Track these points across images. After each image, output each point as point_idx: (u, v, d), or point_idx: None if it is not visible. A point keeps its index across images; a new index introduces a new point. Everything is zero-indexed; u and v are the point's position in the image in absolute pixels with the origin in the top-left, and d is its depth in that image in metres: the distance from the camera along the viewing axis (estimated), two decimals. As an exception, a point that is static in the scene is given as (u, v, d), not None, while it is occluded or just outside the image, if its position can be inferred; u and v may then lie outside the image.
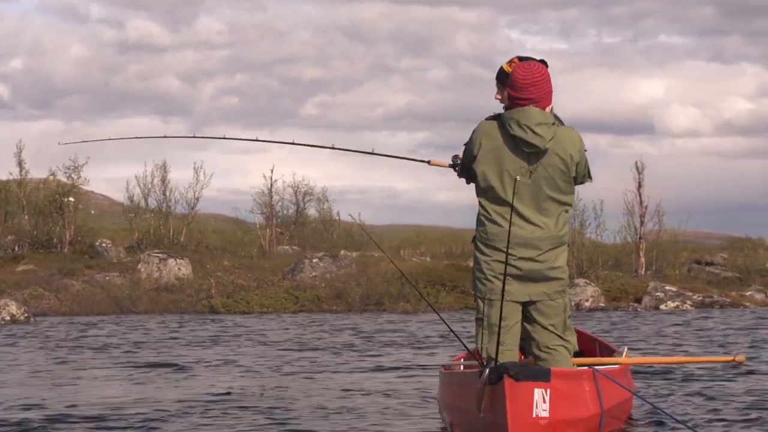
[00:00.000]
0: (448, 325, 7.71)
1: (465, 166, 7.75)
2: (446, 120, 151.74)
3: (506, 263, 7.04)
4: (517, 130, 7.30)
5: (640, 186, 45.88)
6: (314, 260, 40.13)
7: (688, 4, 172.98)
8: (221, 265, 42.15)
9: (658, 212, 46.38)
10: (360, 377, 14.29)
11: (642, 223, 45.45)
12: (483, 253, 7.53)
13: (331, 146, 9.74)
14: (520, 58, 7.77)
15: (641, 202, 45.89)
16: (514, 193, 7.23)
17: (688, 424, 8.22)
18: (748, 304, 36.61)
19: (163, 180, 49.87)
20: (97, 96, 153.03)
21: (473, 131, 7.64)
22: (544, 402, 6.56)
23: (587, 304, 35.08)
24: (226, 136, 10.33)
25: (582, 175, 7.60)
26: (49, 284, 37.96)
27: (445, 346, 19.82)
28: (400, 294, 35.24)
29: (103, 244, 45.32)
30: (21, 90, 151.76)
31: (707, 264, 46.46)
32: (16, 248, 44.89)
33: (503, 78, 7.80)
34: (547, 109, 7.51)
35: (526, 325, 7.56)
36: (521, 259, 7.27)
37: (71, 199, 46.94)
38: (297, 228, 52.60)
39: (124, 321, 30.39)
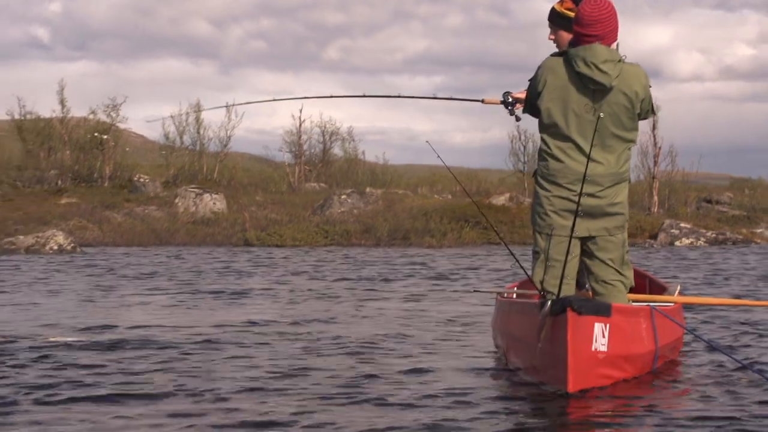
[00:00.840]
0: (514, 256, 7.19)
1: (529, 102, 7.53)
2: (462, 65, 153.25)
3: (578, 201, 6.81)
4: (583, 68, 7.07)
5: (654, 128, 46.20)
6: (342, 197, 40.44)
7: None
8: (254, 200, 42.56)
9: (671, 153, 47.01)
10: (405, 305, 14.20)
11: (656, 163, 45.88)
12: (544, 188, 7.37)
13: (397, 95, 9.78)
14: None
15: (655, 143, 46.26)
16: (596, 131, 6.97)
17: (738, 358, 7.86)
18: (759, 240, 36.74)
19: (197, 119, 50.22)
20: (130, 39, 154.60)
21: (538, 68, 7.43)
22: (603, 336, 6.45)
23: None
24: (333, 95, 10.21)
25: (645, 111, 7.38)
26: (91, 216, 38.44)
27: (482, 277, 19.58)
28: (425, 229, 35.50)
29: (141, 179, 45.64)
30: (60, 32, 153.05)
31: (716, 203, 46.63)
32: (59, 182, 45.29)
33: (555, 18, 7.68)
34: (613, 46, 7.26)
35: (585, 259, 7.48)
36: (584, 195, 6.91)
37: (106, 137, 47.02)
38: (324, 166, 53.05)
39: (164, 251, 30.52)
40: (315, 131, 53.69)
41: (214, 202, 41.32)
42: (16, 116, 49.13)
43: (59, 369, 8.32)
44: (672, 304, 8.10)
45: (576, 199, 6.90)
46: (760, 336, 9.46)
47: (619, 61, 7.11)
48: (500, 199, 38.67)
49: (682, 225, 36.10)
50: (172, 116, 50.08)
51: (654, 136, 46.19)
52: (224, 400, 6.97)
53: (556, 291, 6.71)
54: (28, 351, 9.23)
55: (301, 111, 51.21)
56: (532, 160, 48.02)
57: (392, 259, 26.48)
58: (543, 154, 7.38)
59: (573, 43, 7.22)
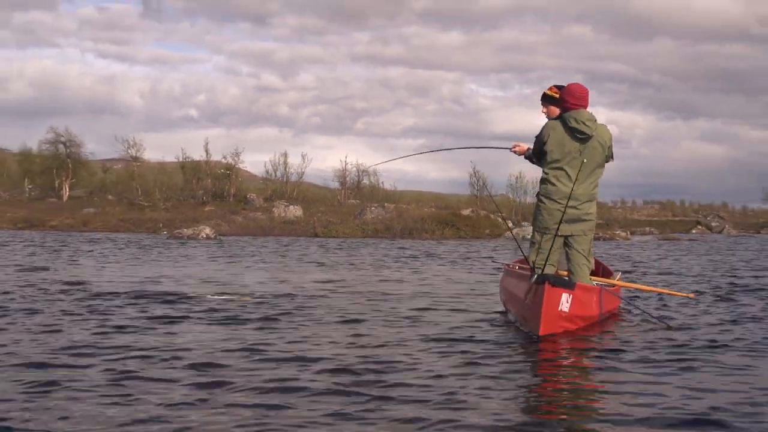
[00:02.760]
0: (517, 242, 5.79)
1: (536, 149, 7.15)
2: (435, 133, 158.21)
3: (567, 209, 6.69)
4: (574, 124, 6.84)
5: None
6: (372, 208, 40.75)
7: (571, 73, 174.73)
8: (318, 210, 42.62)
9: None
10: (430, 273, 13.63)
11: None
12: (543, 202, 7.01)
13: (449, 148, 9.39)
14: (557, 86, 7.31)
15: None
16: (579, 170, 6.80)
17: (657, 318, 7.42)
18: (619, 239, 36.52)
19: (285, 162, 51.77)
20: (243, 115, 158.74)
21: (543, 127, 7.09)
22: (567, 302, 6.25)
23: (529, 236, 35.41)
24: (448, 148, 9.25)
25: (610, 155, 7.07)
26: (223, 218, 38.80)
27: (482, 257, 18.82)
28: (423, 228, 35.63)
29: (251, 197, 46.29)
30: (203, 111, 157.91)
31: None
32: (204, 198, 45.87)
33: (548, 99, 7.34)
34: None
35: (566, 249, 7.10)
36: (568, 207, 6.77)
37: (230, 171, 47.59)
38: (358, 190, 53.55)
39: (267, 240, 30.11)
40: (353, 170, 54.16)
41: (295, 211, 41.51)
42: (180, 159, 49.85)
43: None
44: (614, 286, 7.74)
45: (563, 210, 6.76)
46: (665, 305, 8.67)
47: (594, 121, 6.93)
48: (466, 211, 39.35)
49: None
50: (270, 160, 51.75)
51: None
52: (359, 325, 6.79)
53: (541, 269, 6.64)
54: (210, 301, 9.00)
55: (346, 157, 51.60)
56: (483, 189, 48.70)
57: (413, 246, 26.07)
58: (544, 181, 7.04)
59: (564, 110, 6.98)
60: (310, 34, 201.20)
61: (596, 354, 5.74)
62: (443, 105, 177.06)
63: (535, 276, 6.29)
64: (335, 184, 53.62)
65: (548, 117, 7.32)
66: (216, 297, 9.07)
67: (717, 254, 21.93)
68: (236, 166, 48.83)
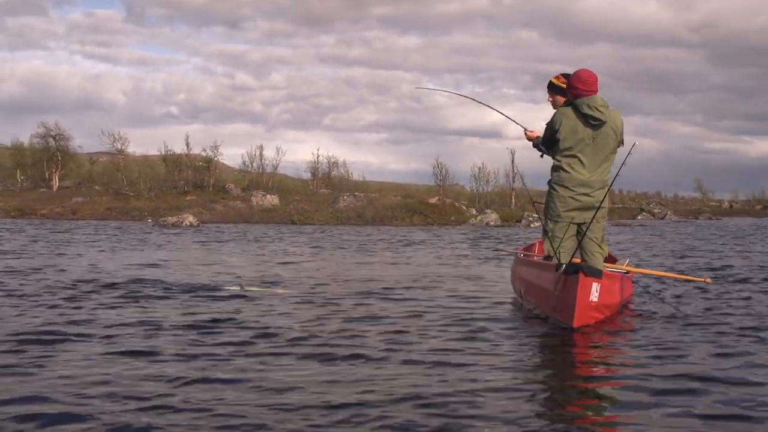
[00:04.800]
0: (542, 219, 6.28)
1: (546, 137, 6.47)
2: (395, 129, 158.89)
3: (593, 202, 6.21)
4: (587, 110, 6.15)
5: (513, 162, 46.35)
6: (344, 197, 39.87)
7: (518, 74, 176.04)
8: (293, 199, 41.88)
9: (522, 176, 47.77)
10: (426, 254, 13.29)
11: (514, 180, 45.98)
12: (555, 190, 6.33)
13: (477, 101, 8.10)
14: (563, 74, 6.69)
15: (513, 171, 46.23)
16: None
17: (670, 303, 7.03)
18: None
19: (261, 154, 51.00)
20: (220, 112, 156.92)
21: (555, 114, 6.39)
22: (596, 291, 5.64)
23: (492, 223, 34.62)
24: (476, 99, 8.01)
25: (621, 140, 6.33)
26: (204, 206, 37.99)
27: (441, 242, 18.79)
28: (393, 215, 35.16)
29: (229, 186, 45.30)
30: (183, 109, 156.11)
31: (540, 203, 46.76)
32: (185, 188, 44.70)
33: (554, 88, 6.71)
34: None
35: (578, 238, 6.37)
36: (581, 194, 6.23)
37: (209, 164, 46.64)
38: (329, 180, 52.61)
39: (245, 227, 29.48)
40: (324, 162, 53.48)
41: (272, 199, 40.61)
42: (163, 152, 48.84)
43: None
44: (629, 271, 7.24)
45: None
46: (673, 285, 8.37)
47: (607, 107, 6.24)
48: (433, 200, 38.85)
49: (534, 215, 34.75)
50: (247, 153, 50.36)
51: (513, 165, 46.31)
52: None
53: (558, 257, 6.15)
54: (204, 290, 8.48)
55: (318, 150, 50.92)
56: (446, 179, 48.54)
57: (379, 232, 25.78)
58: (556, 168, 6.33)
59: (573, 97, 6.27)
60: (280, 37, 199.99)
61: (626, 342, 5.25)
62: (402, 102, 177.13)
63: (564, 266, 5.66)
64: (307, 175, 53.00)
65: (554, 106, 6.66)
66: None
67: (687, 239, 21.45)
68: (215, 158, 47.89)
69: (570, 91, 6.36)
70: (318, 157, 52.73)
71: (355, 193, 42.09)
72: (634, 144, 5.68)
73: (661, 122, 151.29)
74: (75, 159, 50.93)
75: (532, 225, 33.52)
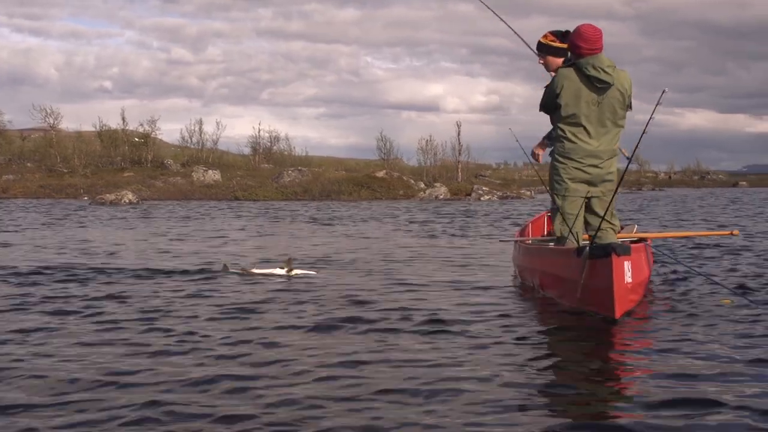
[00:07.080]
0: (552, 194, 5.73)
1: (546, 101, 5.79)
2: (333, 102, 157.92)
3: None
4: (592, 71, 5.51)
5: (459, 134, 45.41)
6: (289, 171, 38.84)
7: (456, 47, 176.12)
8: (236, 174, 40.77)
9: (468, 149, 47.18)
10: (394, 232, 12.72)
11: (459, 153, 45.17)
12: (560, 162, 5.73)
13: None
14: (552, 32, 6.06)
15: (459, 144, 45.54)
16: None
17: (698, 270, 6.70)
18: (524, 197, 35.27)
19: (200, 130, 49.20)
20: (156, 87, 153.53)
21: (554, 76, 5.72)
22: (629, 271, 4.85)
23: (441, 197, 34.01)
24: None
25: (629, 103, 5.70)
26: (143, 183, 36.61)
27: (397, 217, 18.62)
28: (340, 190, 34.21)
29: (168, 162, 43.82)
30: (117, 83, 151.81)
31: (482, 176, 47.42)
32: (122, 164, 43.14)
33: (543, 48, 6.07)
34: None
35: (585, 213, 5.85)
36: (589, 166, 5.66)
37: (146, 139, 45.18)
38: (270, 155, 50.85)
39: (188, 204, 28.65)
40: (265, 136, 51.71)
41: (214, 175, 39.44)
42: (98, 128, 47.16)
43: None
44: (648, 240, 6.57)
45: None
46: (699, 248, 8.13)
47: (615, 67, 5.60)
48: (381, 173, 37.89)
49: (484, 188, 35.08)
50: (186, 127, 47.63)
51: (459, 140, 45.68)
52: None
53: (575, 238, 5.56)
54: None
55: (260, 124, 49.51)
56: (391, 152, 47.66)
57: (331, 207, 24.94)
58: (560, 138, 5.71)
59: (576, 57, 5.63)
60: (217, 10, 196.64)
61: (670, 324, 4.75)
62: (341, 76, 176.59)
63: (588, 249, 4.86)
64: (248, 150, 51.33)
65: (547, 69, 6.03)
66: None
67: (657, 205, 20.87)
68: (152, 133, 46.12)
69: (572, 52, 5.67)
70: (259, 132, 51.21)
71: (300, 168, 40.92)
72: (664, 91, 4.55)
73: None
74: (4, 135, 48.93)
75: (482, 199, 32.89)
